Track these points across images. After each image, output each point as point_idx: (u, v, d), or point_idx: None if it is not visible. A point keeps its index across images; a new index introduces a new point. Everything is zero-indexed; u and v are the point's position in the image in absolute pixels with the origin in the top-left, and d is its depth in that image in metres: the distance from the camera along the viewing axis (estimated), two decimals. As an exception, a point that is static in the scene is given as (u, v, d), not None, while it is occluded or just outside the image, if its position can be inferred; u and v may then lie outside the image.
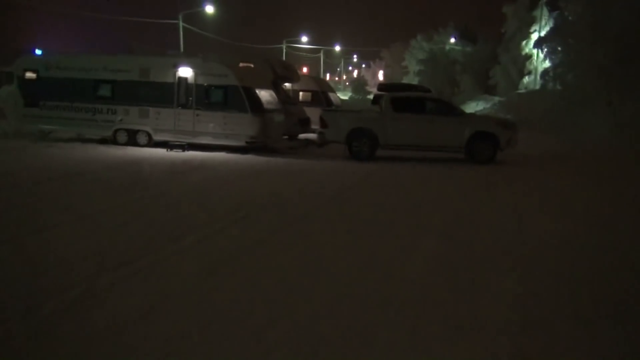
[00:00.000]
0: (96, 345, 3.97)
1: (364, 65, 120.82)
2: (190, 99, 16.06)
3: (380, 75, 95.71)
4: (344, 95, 61.07)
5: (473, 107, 38.13)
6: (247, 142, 15.74)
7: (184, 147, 16.20)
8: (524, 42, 40.03)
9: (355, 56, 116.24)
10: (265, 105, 16.06)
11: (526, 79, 39.89)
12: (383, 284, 5.34)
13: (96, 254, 6.05)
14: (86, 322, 4.33)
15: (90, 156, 14.34)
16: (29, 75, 17.59)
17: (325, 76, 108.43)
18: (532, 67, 38.85)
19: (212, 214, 8.19)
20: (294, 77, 21.13)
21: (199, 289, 5.13)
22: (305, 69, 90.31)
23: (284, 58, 70.21)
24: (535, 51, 36.70)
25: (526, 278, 5.65)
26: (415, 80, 52.00)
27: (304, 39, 72.71)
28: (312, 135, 18.91)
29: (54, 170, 11.79)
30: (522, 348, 4.10)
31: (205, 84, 15.92)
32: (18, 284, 5.12)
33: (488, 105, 37.32)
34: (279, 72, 19.42)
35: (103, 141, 17.07)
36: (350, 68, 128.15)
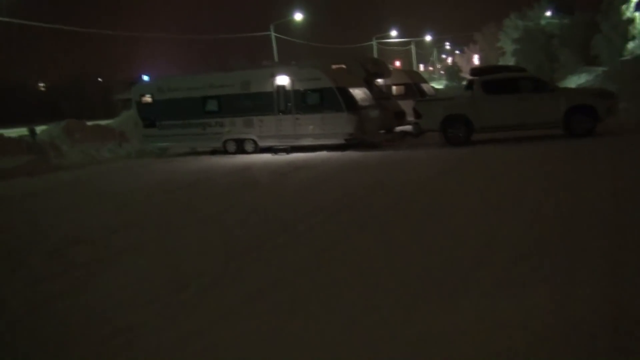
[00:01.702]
0: (235, 313, 4.84)
1: (457, 52, 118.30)
2: (289, 104, 17.12)
3: (476, 60, 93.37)
4: (439, 85, 60.46)
5: (575, 81, 36.63)
6: (345, 140, 16.53)
7: (288, 150, 17.27)
8: (624, 6, 37.92)
9: (447, 44, 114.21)
10: (360, 103, 16.78)
11: (630, 45, 37.74)
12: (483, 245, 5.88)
13: (223, 245, 7.03)
14: (224, 297, 5.23)
15: (206, 166, 15.75)
16: (145, 99, 19.45)
17: (419, 67, 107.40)
18: (635, 31, 36.75)
19: (319, 204, 9.02)
20: (385, 72, 21.69)
21: (314, 266, 5.92)
22: (397, 63, 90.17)
23: (374, 55, 70.61)
24: (637, 14, 34.74)
25: None
26: (511, 61, 50.56)
27: (393, 33, 72.69)
28: (408, 127, 19.40)
29: (177, 180, 13.19)
30: None
31: (302, 89, 16.91)
32: (165, 271, 6.15)
33: (591, 78, 35.69)
34: (370, 69, 20.07)
35: (214, 152, 18.56)
36: (444, 56, 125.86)
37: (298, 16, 56.38)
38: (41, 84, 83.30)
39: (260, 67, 19.05)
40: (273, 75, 17.42)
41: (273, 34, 56.39)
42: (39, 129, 20.88)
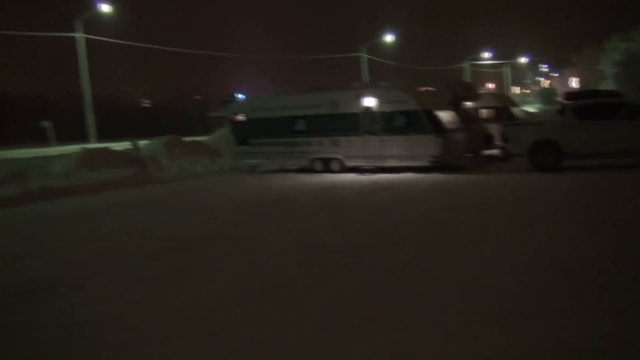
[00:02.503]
0: (312, 322, 5.20)
1: (554, 74, 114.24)
2: (376, 125, 17.47)
3: (574, 83, 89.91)
4: (533, 108, 58.86)
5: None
6: (431, 162, 16.65)
7: (373, 170, 17.59)
8: None
9: (544, 66, 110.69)
10: (446, 126, 16.86)
11: None
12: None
13: (305, 259, 7.43)
14: (302, 305, 5.61)
15: (293, 183, 16.36)
16: (238, 117, 20.46)
17: (513, 90, 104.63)
18: None
19: (398, 225, 9.27)
20: (473, 95, 21.56)
21: (384, 284, 6.19)
22: (491, 85, 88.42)
23: (467, 76, 69.68)
24: None
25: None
26: (612, 85, 48.43)
27: (487, 54, 71.59)
28: (496, 151, 19.20)
29: (265, 196, 13.85)
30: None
31: (388, 111, 17.23)
32: (251, 280, 6.62)
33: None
34: (458, 92, 20.05)
35: (302, 170, 19.19)
36: (540, 79, 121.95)
37: (389, 37, 56.90)
38: (145, 101, 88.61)
39: (347, 89, 19.55)
40: (360, 97, 17.86)
41: (363, 55, 57.21)
42: (142, 143, 22.43)
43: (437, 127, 16.56)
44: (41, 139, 42.46)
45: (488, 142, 20.12)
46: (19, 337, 5.22)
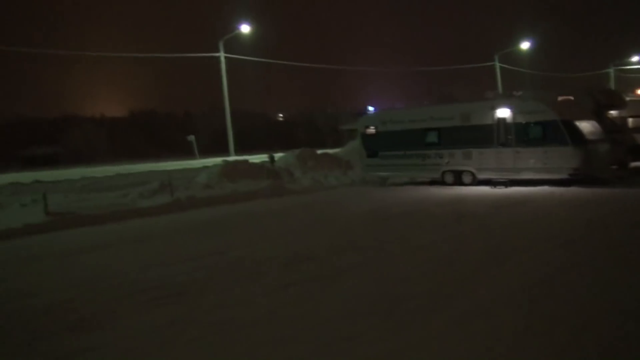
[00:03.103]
0: (438, 338, 5.26)
1: None
2: (510, 137, 16.94)
3: None
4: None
5: None
6: (569, 174, 15.84)
7: (506, 183, 17.05)
8: None
9: None
10: (587, 136, 15.97)
11: None
12: None
13: (432, 274, 7.47)
14: (431, 320, 5.68)
15: (423, 196, 16.32)
16: (369, 130, 20.79)
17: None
18: None
19: (530, 241, 8.98)
20: (619, 103, 20.19)
21: (519, 300, 6.07)
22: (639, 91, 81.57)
23: (612, 83, 65.02)
24: None
25: None
26: None
27: (635, 58, 66.29)
28: (644, 163, 17.84)
29: (394, 208, 13.96)
30: None
31: (524, 122, 16.65)
32: (379, 291, 6.79)
33: None
34: (602, 100, 18.91)
35: (433, 182, 19.07)
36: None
37: (525, 45, 54.68)
38: (279, 115, 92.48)
39: (480, 100, 19.15)
40: (493, 108, 17.43)
41: (497, 64, 55.43)
42: (277, 156, 23.51)
43: (577, 137, 15.73)
44: (186, 152, 45.86)
45: (635, 153, 18.77)
46: (168, 334, 5.79)
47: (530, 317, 5.48)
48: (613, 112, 20.69)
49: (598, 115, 17.96)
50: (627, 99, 25.00)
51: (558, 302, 5.89)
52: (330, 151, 27.50)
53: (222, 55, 36.67)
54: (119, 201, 17.02)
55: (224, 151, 39.26)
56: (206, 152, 44.49)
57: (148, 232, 12.90)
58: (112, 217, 14.91)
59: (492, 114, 17.37)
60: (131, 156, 51.93)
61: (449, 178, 18.55)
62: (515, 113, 16.88)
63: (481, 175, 17.82)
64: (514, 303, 5.97)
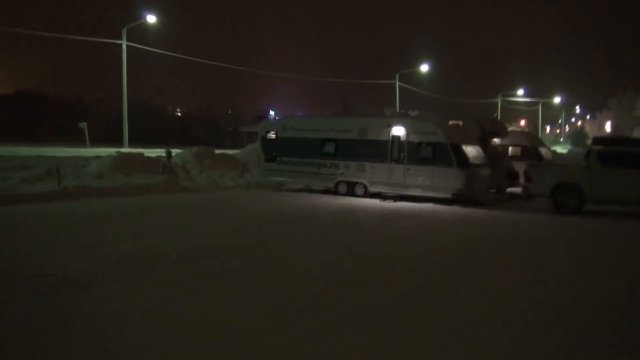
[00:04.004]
0: (325, 333, 5.59)
1: (588, 117, 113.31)
2: (402, 154, 17.85)
3: (608, 127, 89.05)
4: (563, 149, 58.57)
5: None
6: (453, 195, 16.94)
7: (395, 198, 17.92)
8: None
9: (578, 107, 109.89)
10: (471, 160, 17.16)
11: None
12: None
13: (321, 277, 7.83)
14: (318, 318, 6.00)
15: (316, 204, 16.77)
16: (270, 135, 21.00)
17: (545, 129, 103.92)
18: None
19: (414, 252, 9.62)
20: (501, 132, 21.81)
21: (395, 306, 6.55)
22: (522, 122, 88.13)
23: (498, 111, 69.64)
24: None
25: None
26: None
27: (520, 92, 71.53)
28: (519, 190, 19.37)
29: (289, 214, 14.28)
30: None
31: (416, 141, 17.60)
32: (269, 291, 7.04)
33: None
34: (487, 128, 20.34)
35: (326, 191, 19.61)
36: (573, 120, 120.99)
37: (424, 67, 57.40)
38: (178, 110, 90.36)
39: (377, 116, 19.97)
40: (390, 125, 18.27)
41: (397, 83, 57.75)
42: (174, 152, 23.11)
43: (463, 161, 16.87)
44: (76, 139, 43.76)
45: (512, 179, 20.33)
46: (53, 322, 5.69)
47: (405, 322, 5.95)
48: (496, 140, 22.35)
49: (482, 141, 19.32)
50: (509, 128, 27.08)
51: (431, 309, 6.43)
52: (228, 152, 27.39)
53: (124, 43, 35.50)
54: (-2, 185, 16.02)
55: (117, 142, 37.91)
56: (98, 141, 42.70)
57: (29, 219, 12.33)
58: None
59: (388, 131, 18.20)
60: (15, 138, 48.65)
61: (342, 188, 19.16)
62: (409, 132, 17.80)
63: (373, 188, 18.58)
64: (390, 309, 6.42)
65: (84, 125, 34.89)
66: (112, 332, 5.46)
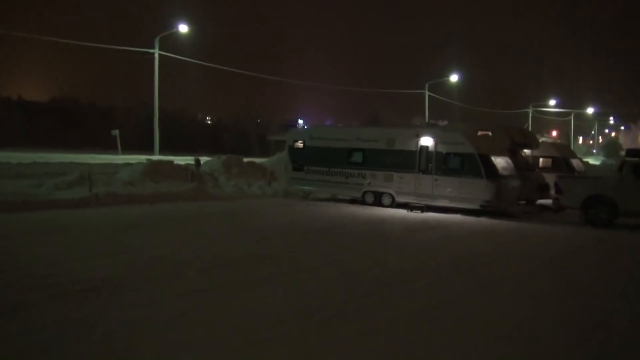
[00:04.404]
0: (348, 346, 5.56)
1: (622, 128, 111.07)
2: (430, 165, 17.74)
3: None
4: (595, 160, 57.50)
5: None
6: (481, 206, 16.75)
7: (423, 208, 17.80)
8: None
9: (612, 118, 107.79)
10: (500, 172, 16.96)
11: None
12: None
13: (346, 288, 7.80)
14: (340, 330, 5.98)
15: (343, 213, 16.74)
16: (297, 144, 21.09)
17: (578, 140, 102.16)
18: None
19: (439, 264, 9.53)
20: (532, 143, 21.53)
21: (420, 318, 6.49)
22: (554, 133, 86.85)
23: (529, 122, 68.71)
24: None
25: None
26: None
27: (552, 102, 70.47)
28: (549, 201, 19.07)
29: (315, 223, 14.29)
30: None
31: (444, 152, 17.48)
32: (294, 301, 7.03)
33: None
34: (517, 139, 20.09)
35: (353, 201, 19.58)
36: (607, 131, 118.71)
37: (454, 77, 57.06)
38: (208, 118, 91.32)
39: (405, 126, 19.90)
40: (418, 136, 18.19)
41: (427, 93, 57.47)
42: (203, 160, 23.35)
43: (491, 172, 16.68)
44: (108, 146, 44.51)
45: (543, 191, 20.01)
46: (77, 329, 5.77)
47: (430, 335, 5.89)
48: (526, 151, 22.05)
49: (512, 152, 19.09)
50: (541, 139, 26.69)
51: (457, 322, 6.35)
52: (257, 160, 27.56)
53: (156, 52, 36.10)
54: (31, 191, 16.37)
55: (148, 149, 38.44)
56: (129, 149, 43.35)
57: (61, 225, 12.55)
58: (23, 207, 14.33)
59: (416, 142, 18.12)
60: (49, 144, 49.74)
61: (369, 198, 19.11)
62: (437, 143, 17.69)
63: (400, 199, 18.49)
64: (414, 321, 6.37)
65: (116, 132, 35.43)
66: (136, 341, 5.52)
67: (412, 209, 17.98)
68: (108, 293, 7.06)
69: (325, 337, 5.70)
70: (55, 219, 13.39)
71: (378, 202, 18.85)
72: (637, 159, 15.63)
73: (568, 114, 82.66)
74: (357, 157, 19.41)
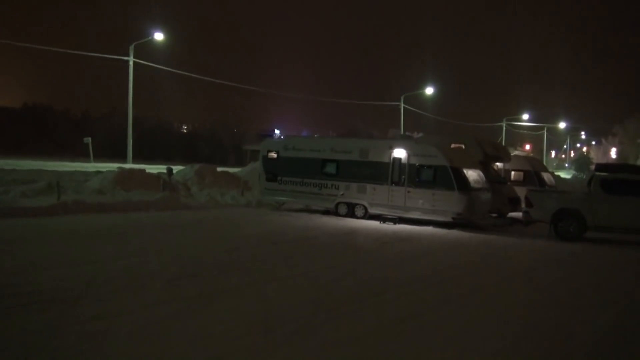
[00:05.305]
0: None
1: (593, 142, 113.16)
2: (403, 177, 17.78)
3: (613, 154, 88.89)
4: (567, 174, 58.46)
5: None
6: (453, 218, 16.84)
7: (395, 220, 17.82)
8: None
9: (583, 133, 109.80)
10: (472, 184, 17.08)
11: None
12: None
13: (314, 300, 7.73)
14: (305, 344, 5.91)
15: (316, 224, 16.68)
16: (271, 154, 20.99)
17: (550, 154, 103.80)
18: None
19: (411, 276, 9.52)
20: (504, 157, 21.80)
21: (388, 331, 6.45)
22: (527, 147, 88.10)
23: (503, 136, 69.68)
24: None
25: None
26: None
27: (525, 116, 71.58)
28: (520, 214, 19.28)
29: (287, 234, 14.20)
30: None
31: (417, 164, 17.54)
32: (258, 314, 6.94)
33: None
34: (489, 152, 20.33)
35: (327, 212, 19.53)
36: (578, 145, 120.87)
37: (429, 90, 57.62)
38: (184, 126, 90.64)
39: (379, 138, 19.97)
40: (391, 147, 18.25)
41: (402, 105, 57.90)
42: (175, 169, 23.13)
43: (463, 184, 16.79)
44: (80, 153, 43.88)
45: (514, 204, 20.23)
46: (35, 341, 5.61)
47: (397, 348, 5.85)
48: (498, 164, 22.31)
49: (484, 165, 19.29)
50: (513, 153, 27.04)
51: (425, 335, 6.32)
52: (231, 169, 27.40)
53: (131, 59, 35.76)
54: (-3, 198, 16.02)
55: (121, 157, 38.00)
56: (102, 156, 42.80)
57: (26, 234, 12.28)
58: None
59: (389, 153, 18.17)
60: (20, 151, 48.83)
61: (342, 209, 19.08)
62: (410, 155, 17.76)
63: (373, 210, 18.49)
64: (382, 333, 6.33)
65: (88, 140, 34.95)
66: (92, 354, 5.38)
67: (385, 221, 18.00)
68: (70, 304, 6.89)
69: (289, 351, 5.63)
70: (20, 227, 13.09)
71: (351, 214, 18.82)
72: (605, 173, 15.90)
73: (541, 128, 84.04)
74: (331, 168, 19.39)
